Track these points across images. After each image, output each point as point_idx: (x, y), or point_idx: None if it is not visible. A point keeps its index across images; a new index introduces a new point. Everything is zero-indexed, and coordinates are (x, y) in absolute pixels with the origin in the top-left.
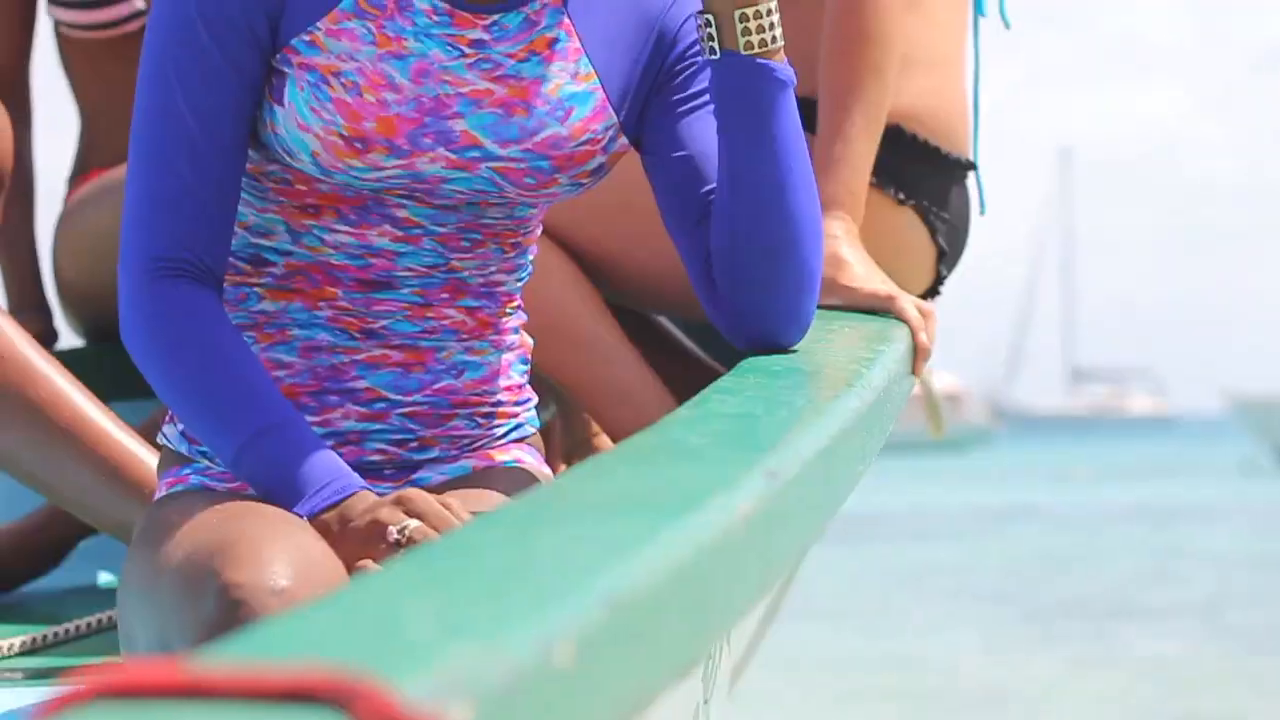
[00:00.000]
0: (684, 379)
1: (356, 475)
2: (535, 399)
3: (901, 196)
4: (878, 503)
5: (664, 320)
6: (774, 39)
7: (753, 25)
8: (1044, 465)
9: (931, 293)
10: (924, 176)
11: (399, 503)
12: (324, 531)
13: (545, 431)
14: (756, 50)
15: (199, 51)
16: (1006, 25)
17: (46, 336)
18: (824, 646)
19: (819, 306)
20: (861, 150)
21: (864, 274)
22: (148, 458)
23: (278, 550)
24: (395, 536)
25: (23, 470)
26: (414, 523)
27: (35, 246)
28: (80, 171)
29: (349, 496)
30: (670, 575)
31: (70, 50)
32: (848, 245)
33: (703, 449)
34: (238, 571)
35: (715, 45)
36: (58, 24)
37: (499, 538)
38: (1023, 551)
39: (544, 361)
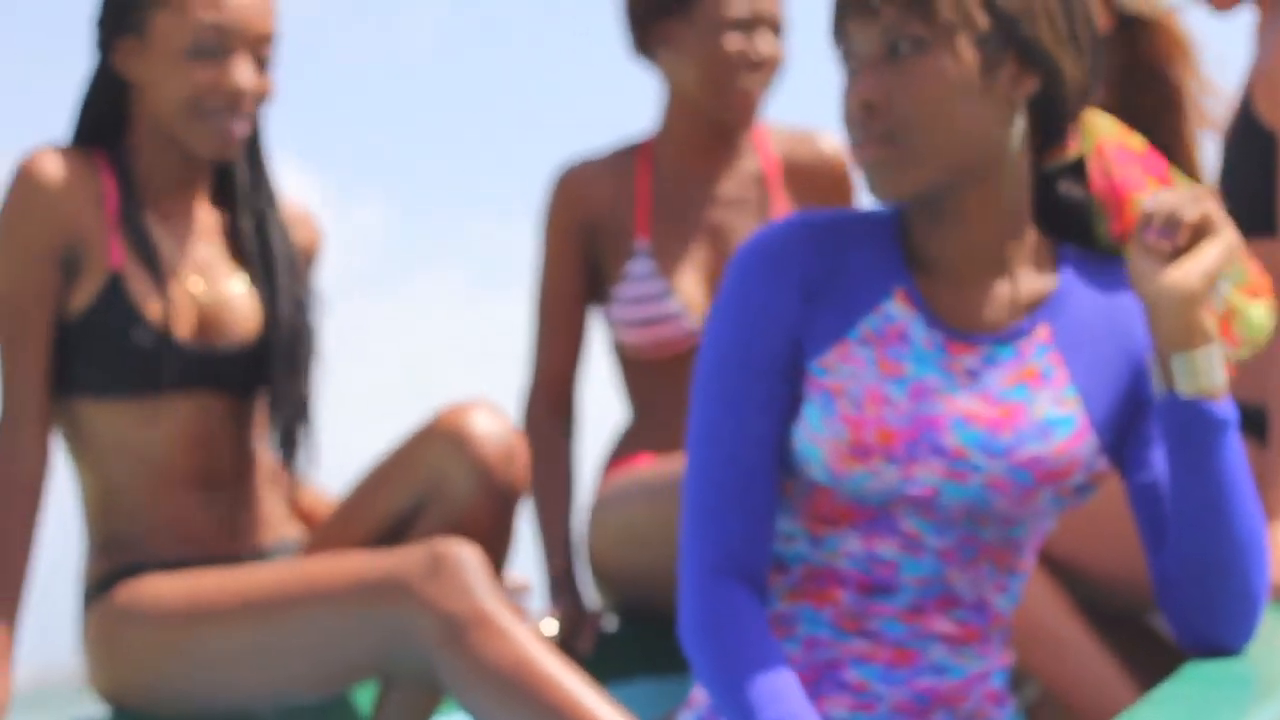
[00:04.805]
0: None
1: None
2: (1016, 706)
3: None
4: None
5: (1150, 620)
6: (1213, 381)
7: (1187, 369)
8: None
9: None
10: None
11: None
12: None
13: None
14: (1194, 394)
15: (745, 384)
16: None
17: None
18: None
19: None
20: None
21: None
22: None
23: None
24: None
25: None
26: None
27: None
28: (621, 455)
29: None
30: None
31: (627, 357)
32: None
33: None
34: None
35: (1159, 385)
36: (618, 344)
37: None
38: None
39: (1022, 660)
